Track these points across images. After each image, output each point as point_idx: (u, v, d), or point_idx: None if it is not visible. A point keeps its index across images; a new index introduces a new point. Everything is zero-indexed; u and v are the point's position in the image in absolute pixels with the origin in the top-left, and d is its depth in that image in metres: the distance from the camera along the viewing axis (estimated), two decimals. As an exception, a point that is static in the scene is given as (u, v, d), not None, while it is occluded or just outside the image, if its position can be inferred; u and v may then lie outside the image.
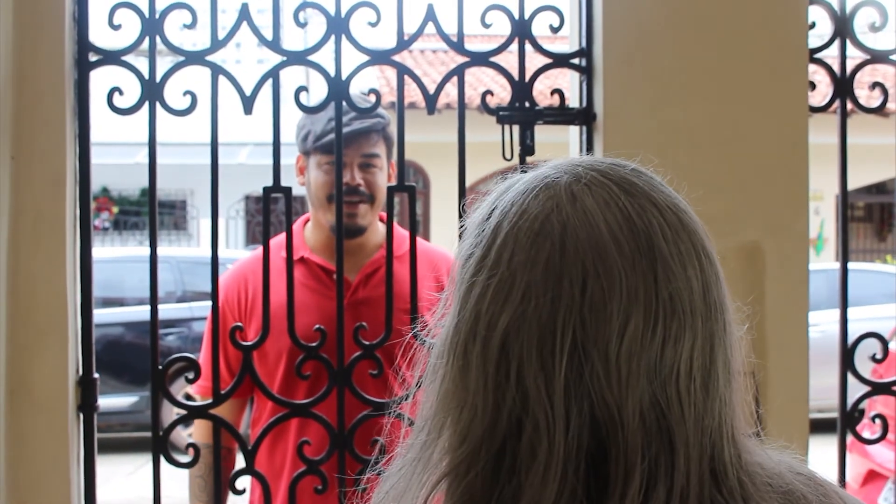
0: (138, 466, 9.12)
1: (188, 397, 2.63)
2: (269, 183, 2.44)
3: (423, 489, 1.01)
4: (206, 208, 12.62)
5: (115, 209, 20.19)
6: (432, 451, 1.01)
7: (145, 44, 2.41)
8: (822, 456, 2.61)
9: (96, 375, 2.43)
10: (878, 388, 2.67)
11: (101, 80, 2.45)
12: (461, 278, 1.02)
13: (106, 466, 8.58)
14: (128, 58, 2.42)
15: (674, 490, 0.93)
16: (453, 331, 1.01)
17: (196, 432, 2.76)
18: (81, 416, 2.42)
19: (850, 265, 2.67)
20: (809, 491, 1.01)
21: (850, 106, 2.61)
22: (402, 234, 2.74)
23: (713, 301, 0.99)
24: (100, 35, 2.41)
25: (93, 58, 2.41)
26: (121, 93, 2.38)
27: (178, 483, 2.81)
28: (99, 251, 12.59)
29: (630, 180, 1.02)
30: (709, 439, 0.96)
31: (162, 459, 2.46)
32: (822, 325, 8.49)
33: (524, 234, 0.98)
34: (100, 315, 9.32)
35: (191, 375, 2.49)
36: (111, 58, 2.42)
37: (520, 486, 0.94)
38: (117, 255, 11.84)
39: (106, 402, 8.87)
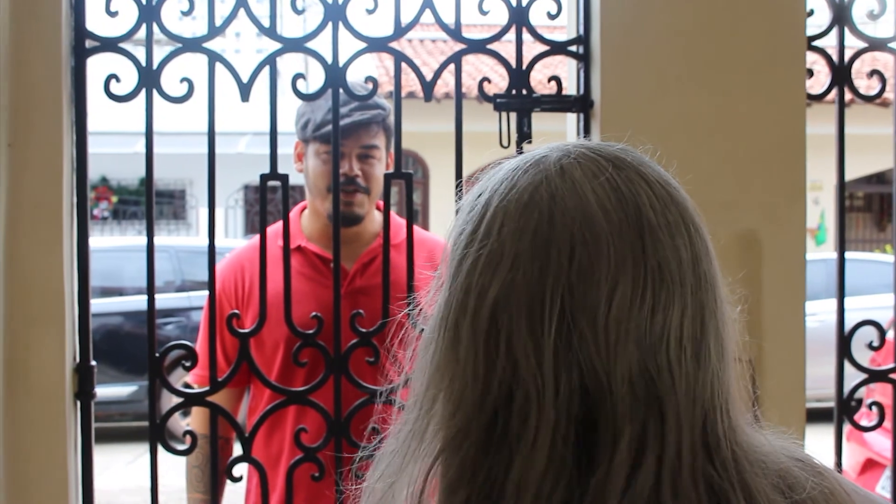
0: (137, 455, 9.13)
1: (187, 387, 2.63)
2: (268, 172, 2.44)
3: (418, 465, 1.01)
4: (205, 198, 12.61)
5: (115, 198, 20.17)
6: (425, 424, 1.02)
7: (142, 31, 2.41)
8: (821, 445, 2.61)
9: (93, 363, 2.43)
10: (874, 376, 2.67)
11: (98, 67, 2.44)
12: (452, 254, 1.03)
13: (105, 455, 8.60)
14: (126, 45, 2.42)
15: (664, 459, 0.93)
16: (444, 305, 1.01)
17: (193, 422, 2.77)
18: (78, 403, 2.42)
19: (850, 255, 2.67)
20: (805, 474, 1.01)
21: (848, 95, 2.61)
22: (399, 222, 2.74)
23: (703, 273, 0.99)
24: (97, 22, 2.41)
25: (90, 45, 2.41)
26: (118, 80, 2.38)
27: (176, 472, 2.81)
28: (98, 240, 12.59)
29: (618, 156, 1.03)
30: (700, 410, 0.96)
31: (160, 448, 2.46)
32: (821, 314, 8.48)
33: (513, 205, 0.99)
34: (99, 304, 9.32)
35: (188, 363, 2.49)
36: (108, 45, 2.42)
37: (510, 455, 0.94)
38: (116, 244, 11.83)
39: (105, 391, 8.94)
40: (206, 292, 2.57)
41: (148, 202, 2.44)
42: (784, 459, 1.01)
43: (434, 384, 1.01)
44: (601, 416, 0.94)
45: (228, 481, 2.55)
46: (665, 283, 0.96)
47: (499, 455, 0.95)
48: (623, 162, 1.02)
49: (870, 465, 5.93)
